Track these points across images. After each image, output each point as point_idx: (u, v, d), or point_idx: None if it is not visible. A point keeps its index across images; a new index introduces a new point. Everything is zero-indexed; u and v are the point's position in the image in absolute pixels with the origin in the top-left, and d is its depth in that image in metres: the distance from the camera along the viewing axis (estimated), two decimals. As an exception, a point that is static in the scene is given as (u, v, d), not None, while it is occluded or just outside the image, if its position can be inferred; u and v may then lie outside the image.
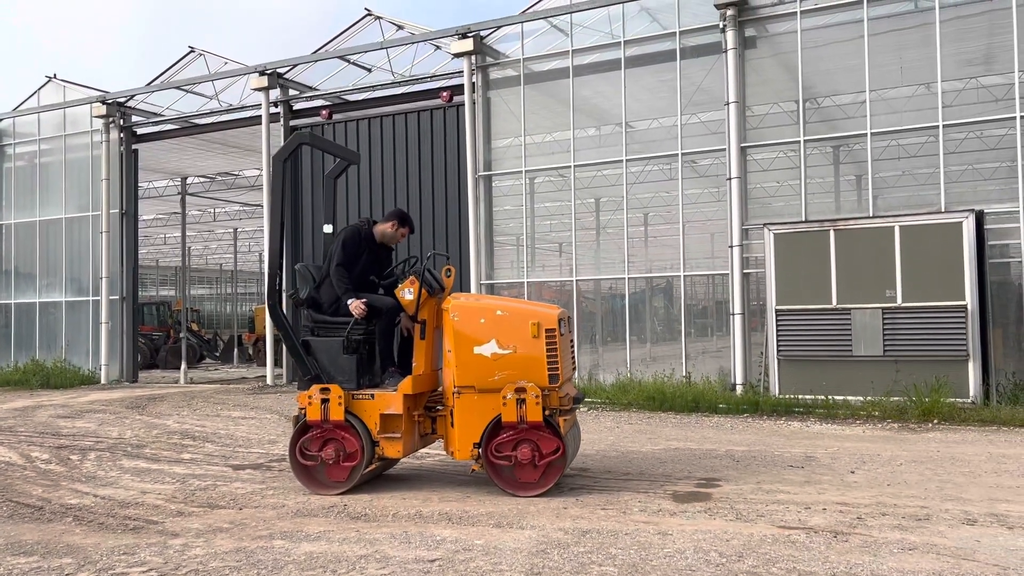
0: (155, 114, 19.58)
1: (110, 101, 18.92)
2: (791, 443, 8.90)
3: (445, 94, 15.81)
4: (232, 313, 41.23)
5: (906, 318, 11.11)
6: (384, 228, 7.28)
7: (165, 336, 25.64)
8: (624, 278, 14.21)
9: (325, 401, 6.63)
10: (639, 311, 14.80)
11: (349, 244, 7.00)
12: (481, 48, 15.09)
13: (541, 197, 16.31)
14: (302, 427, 6.75)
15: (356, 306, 6.72)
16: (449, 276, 7.04)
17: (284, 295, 8.37)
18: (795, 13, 12.70)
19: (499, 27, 15.15)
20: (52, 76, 20.09)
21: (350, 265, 6.94)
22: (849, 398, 11.19)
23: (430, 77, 16.38)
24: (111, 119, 19.00)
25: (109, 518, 6.01)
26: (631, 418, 11.27)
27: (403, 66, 16.84)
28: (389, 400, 6.64)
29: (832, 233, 11.63)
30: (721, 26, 13.02)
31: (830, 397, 11.22)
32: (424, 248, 15.02)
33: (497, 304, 6.77)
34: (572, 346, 7.20)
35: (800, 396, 11.44)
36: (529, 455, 6.33)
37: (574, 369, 7.31)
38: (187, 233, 29.30)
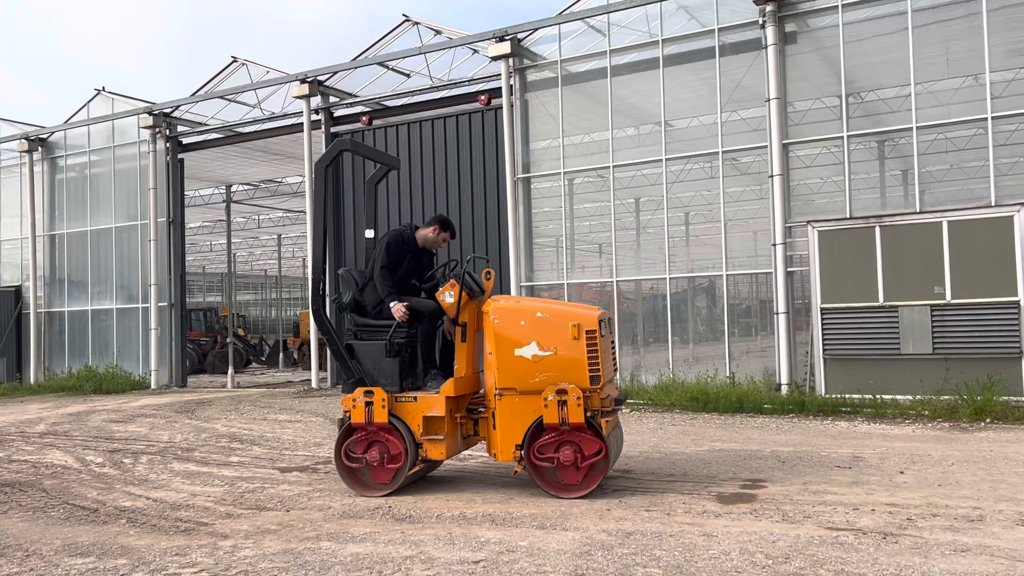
0: (200, 124, 19.98)
1: (156, 112, 19.35)
2: (838, 443, 8.77)
3: (483, 97, 15.88)
4: (277, 318, 41.80)
5: (956, 315, 10.88)
6: (426, 233, 7.35)
7: (212, 341, 26.15)
8: (665, 278, 14.11)
9: (369, 404, 6.71)
10: (681, 311, 14.70)
11: (392, 248, 7.08)
12: (518, 51, 15.12)
13: (580, 198, 16.28)
14: (347, 430, 6.83)
15: (398, 309, 6.79)
16: (489, 279, 7.07)
17: (327, 299, 8.47)
18: (836, 7, 12.50)
19: (536, 29, 15.17)
20: (101, 89, 20.62)
21: (393, 269, 7.02)
22: (897, 397, 10.99)
23: (468, 81, 16.46)
24: (157, 129, 19.42)
25: (161, 520, 6.16)
26: (674, 419, 11.20)
27: (441, 71, 16.95)
28: (431, 402, 6.69)
29: (878, 229, 11.44)
30: (760, 22, 12.88)
31: (878, 396, 11.02)
32: (464, 251, 15.10)
33: (537, 306, 6.78)
34: (613, 347, 7.18)
35: (847, 396, 11.27)
36: (571, 457, 6.32)
37: (615, 370, 7.29)
38: (232, 240, 29.80)
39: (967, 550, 4.78)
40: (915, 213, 11.59)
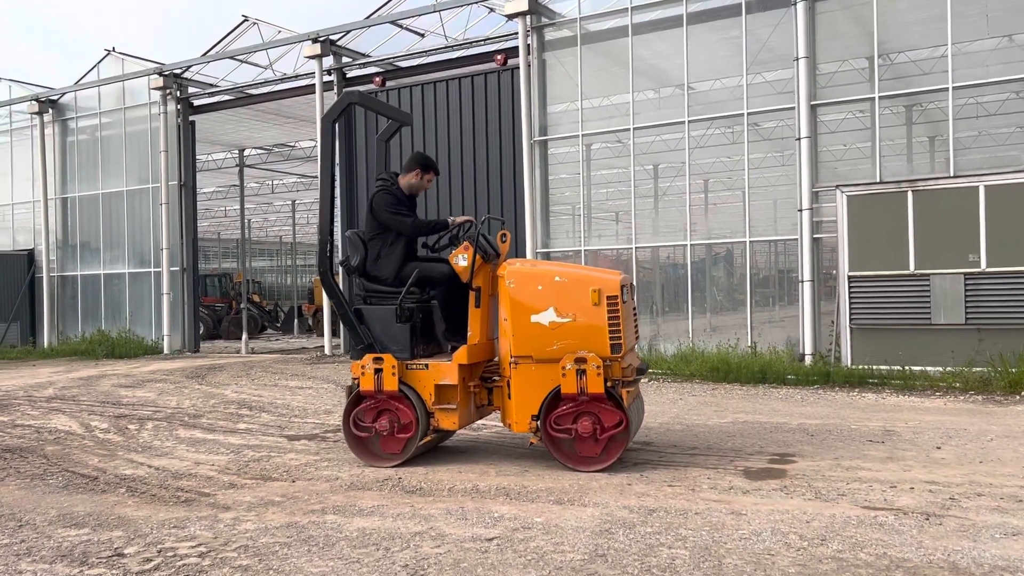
0: (211, 85, 19.58)
1: (166, 72, 18.97)
2: (867, 416, 8.41)
3: (499, 57, 15.39)
4: (292, 284, 41.69)
5: (991, 284, 10.44)
6: (408, 180, 6.89)
7: (227, 307, 26.00)
8: (685, 245, 13.70)
9: (378, 371, 6.41)
10: (700, 280, 14.30)
11: (394, 201, 6.71)
12: (536, 8, 14.60)
13: (598, 164, 15.82)
14: (355, 397, 6.55)
15: (458, 218, 6.77)
16: (504, 241, 6.72)
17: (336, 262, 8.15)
18: (870, -39, 11.92)
19: (555, -15, 14.65)
20: (111, 49, 20.25)
21: (410, 213, 6.83)
22: (927, 369, 10.60)
23: (484, 40, 15.95)
24: (168, 91, 19.07)
25: (162, 490, 5.91)
26: (694, 389, 10.87)
27: (456, 30, 16.46)
28: (444, 370, 6.38)
29: (910, 194, 10.97)
30: (790, -23, 12.32)
31: (906, 368, 10.63)
32: (479, 214, 14.71)
33: (555, 270, 6.43)
34: (635, 314, 6.83)
35: (874, 367, 10.88)
36: (590, 428, 6.01)
37: (637, 338, 6.96)
38: (246, 205, 29.51)
39: (1019, 533, 4.44)
40: (949, 177, 11.11)
